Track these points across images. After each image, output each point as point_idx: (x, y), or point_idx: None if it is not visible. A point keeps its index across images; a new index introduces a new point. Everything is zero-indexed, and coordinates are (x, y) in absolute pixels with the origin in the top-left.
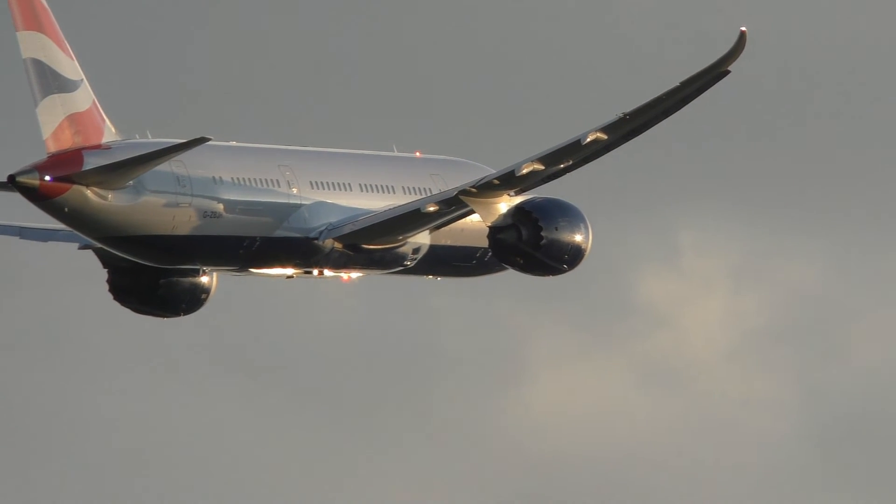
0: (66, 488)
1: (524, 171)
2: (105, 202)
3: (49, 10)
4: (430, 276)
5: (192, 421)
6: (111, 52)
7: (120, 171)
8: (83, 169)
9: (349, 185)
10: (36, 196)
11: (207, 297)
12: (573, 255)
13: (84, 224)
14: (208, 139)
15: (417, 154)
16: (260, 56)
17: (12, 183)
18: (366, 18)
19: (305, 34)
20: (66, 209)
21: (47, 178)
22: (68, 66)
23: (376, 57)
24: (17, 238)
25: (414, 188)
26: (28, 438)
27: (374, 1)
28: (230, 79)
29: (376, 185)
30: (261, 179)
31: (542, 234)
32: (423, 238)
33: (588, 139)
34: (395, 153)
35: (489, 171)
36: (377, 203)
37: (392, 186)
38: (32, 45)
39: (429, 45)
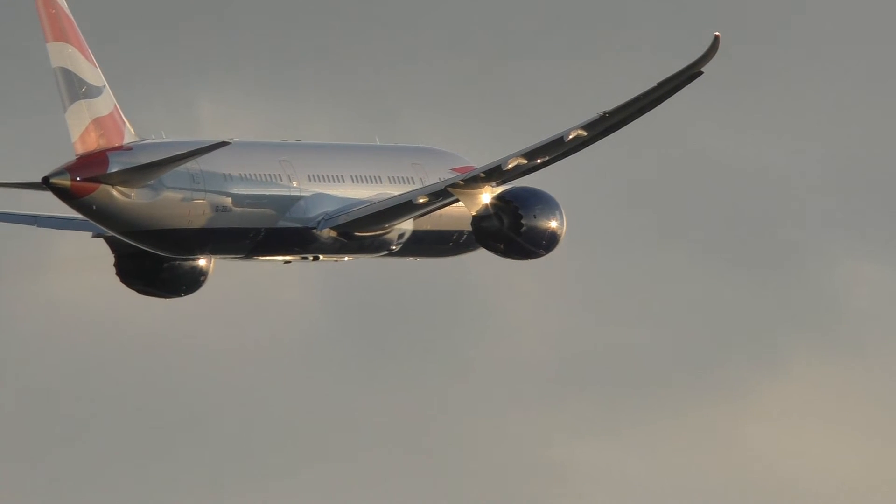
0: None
1: (510, 165)
2: (129, 200)
3: (74, 21)
4: (411, 258)
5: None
6: (128, 58)
7: (144, 171)
8: (109, 170)
9: (342, 177)
10: (67, 195)
11: (205, 279)
12: (550, 240)
13: (110, 220)
14: (229, 143)
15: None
16: (257, 56)
17: (46, 184)
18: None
19: (296, 30)
20: (94, 207)
21: (78, 178)
22: (92, 73)
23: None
24: (35, 227)
25: (398, 178)
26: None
27: None
28: (224, 79)
29: (365, 176)
30: (265, 174)
31: (522, 221)
32: (407, 224)
33: (570, 136)
34: (378, 143)
35: (462, 157)
36: (367, 193)
37: (379, 177)
38: (60, 55)
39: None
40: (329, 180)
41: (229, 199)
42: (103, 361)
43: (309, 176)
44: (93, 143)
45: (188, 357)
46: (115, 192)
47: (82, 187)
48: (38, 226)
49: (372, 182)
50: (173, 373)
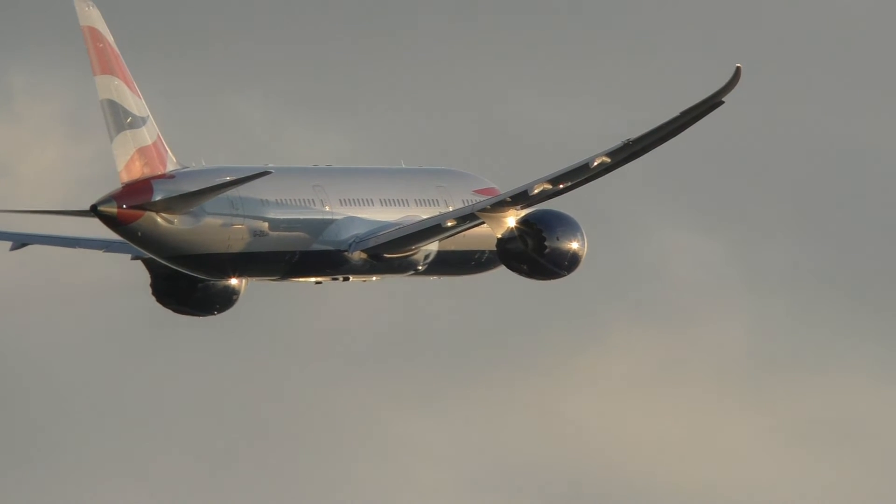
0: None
1: (536, 190)
2: (172, 226)
3: (120, 55)
4: (435, 277)
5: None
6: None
7: (187, 199)
8: (153, 197)
9: (371, 200)
10: (114, 222)
11: (238, 297)
12: (572, 261)
13: (154, 245)
14: (271, 171)
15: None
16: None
17: (94, 211)
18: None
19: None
20: (139, 233)
21: (124, 206)
22: (137, 104)
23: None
24: (75, 249)
25: (424, 200)
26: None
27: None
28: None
29: (393, 200)
30: (299, 199)
31: (546, 243)
32: (433, 245)
33: (595, 162)
34: (404, 166)
35: (483, 179)
36: (395, 215)
37: (406, 200)
38: (107, 87)
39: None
40: (359, 204)
41: (266, 224)
42: (140, 377)
43: (340, 200)
44: (137, 171)
45: (222, 373)
46: (159, 219)
47: (128, 214)
48: (80, 248)
49: (400, 205)
50: (208, 388)
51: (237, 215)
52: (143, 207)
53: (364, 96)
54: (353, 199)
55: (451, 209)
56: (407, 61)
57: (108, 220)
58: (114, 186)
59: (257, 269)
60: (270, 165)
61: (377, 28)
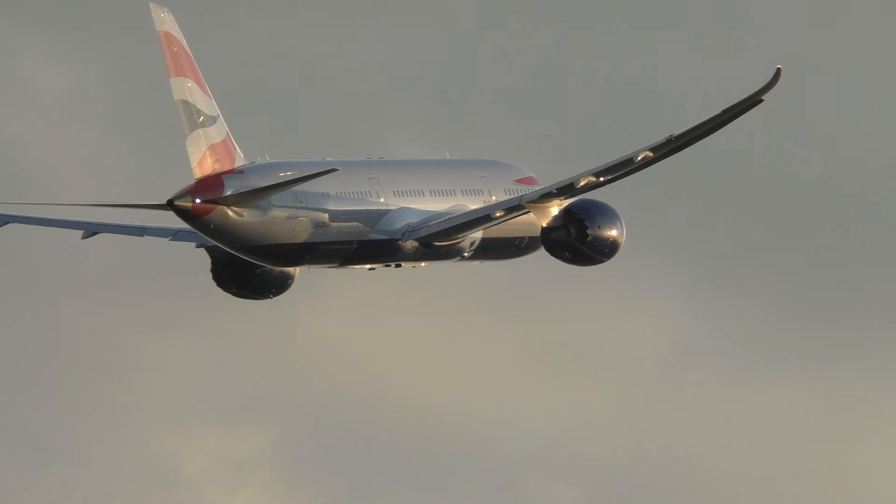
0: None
1: (581, 183)
2: (241, 219)
3: (192, 57)
4: (478, 262)
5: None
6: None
7: (256, 194)
8: (224, 192)
9: (422, 191)
10: (188, 216)
11: (293, 282)
12: (612, 248)
13: (225, 237)
14: (337, 169)
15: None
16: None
17: (170, 206)
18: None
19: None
20: (211, 226)
21: (198, 200)
22: (208, 104)
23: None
24: (143, 237)
25: (470, 190)
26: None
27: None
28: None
29: (442, 190)
30: (356, 192)
31: (588, 231)
32: (478, 233)
33: (639, 157)
34: (449, 157)
35: (522, 169)
36: (443, 205)
37: (453, 190)
38: (181, 88)
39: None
40: (411, 195)
41: (327, 216)
42: (202, 358)
43: (394, 192)
44: (209, 167)
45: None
46: (230, 212)
47: (202, 208)
48: (147, 236)
49: (448, 195)
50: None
51: (301, 208)
52: (215, 202)
53: None
54: (406, 191)
55: (494, 198)
56: None
57: (183, 214)
58: (188, 182)
59: (319, 257)
60: (328, 159)
61: None
